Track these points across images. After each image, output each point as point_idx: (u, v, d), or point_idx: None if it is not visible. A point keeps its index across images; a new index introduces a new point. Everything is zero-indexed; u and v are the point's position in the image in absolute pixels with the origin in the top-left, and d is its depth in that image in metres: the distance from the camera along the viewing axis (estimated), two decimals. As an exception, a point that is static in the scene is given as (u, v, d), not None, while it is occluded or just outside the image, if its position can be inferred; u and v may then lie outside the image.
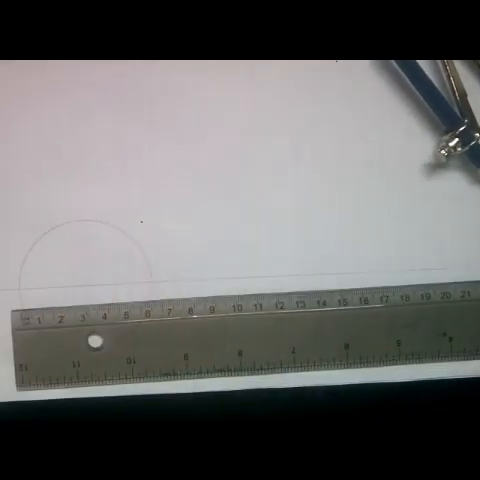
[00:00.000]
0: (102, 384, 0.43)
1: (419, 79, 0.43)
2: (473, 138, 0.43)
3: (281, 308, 0.43)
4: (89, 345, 0.42)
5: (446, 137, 0.43)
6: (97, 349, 0.42)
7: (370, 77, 0.45)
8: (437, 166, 0.44)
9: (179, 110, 0.45)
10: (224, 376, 0.43)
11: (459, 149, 0.43)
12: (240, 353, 0.43)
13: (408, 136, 0.45)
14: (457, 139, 0.43)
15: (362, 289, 0.43)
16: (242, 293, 0.43)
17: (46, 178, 0.44)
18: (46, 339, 0.42)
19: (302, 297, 0.43)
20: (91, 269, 0.43)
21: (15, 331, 0.42)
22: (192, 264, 0.44)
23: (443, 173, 0.44)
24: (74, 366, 0.42)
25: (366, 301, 0.43)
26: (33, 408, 0.42)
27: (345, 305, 0.43)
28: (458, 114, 0.44)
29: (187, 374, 0.43)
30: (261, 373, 0.43)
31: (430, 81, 0.43)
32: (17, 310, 0.42)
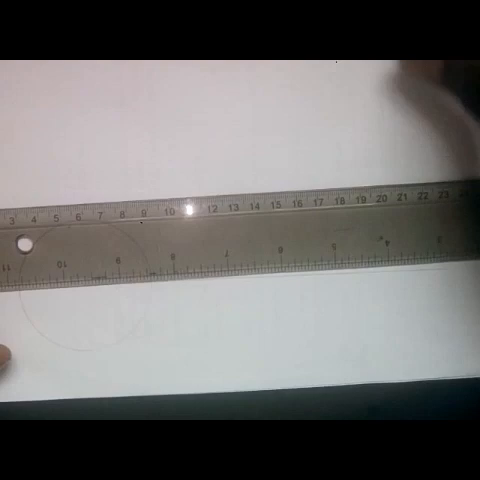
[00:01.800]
0: (33, 288, 0.41)
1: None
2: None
3: (214, 211, 0.42)
4: (19, 248, 0.41)
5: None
6: (27, 252, 0.41)
7: (370, 77, 0.45)
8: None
9: (179, 110, 0.45)
10: (157, 280, 0.42)
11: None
12: (173, 257, 0.42)
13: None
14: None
15: (295, 192, 0.43)
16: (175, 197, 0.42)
17: (45, 178, 0.44)
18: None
19: (235, 200, 0.42)
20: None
21: None
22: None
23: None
24: (4, 269, 0.41)
25: (300, 204, 0.42)
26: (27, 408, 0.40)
27: (278, 207, 0.42)
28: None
29: (119, 278, 0.42)
30: (194, 277, 0.42)
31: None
32: None
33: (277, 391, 0.43)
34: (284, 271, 0.43)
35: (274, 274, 0.43)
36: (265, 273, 0.43)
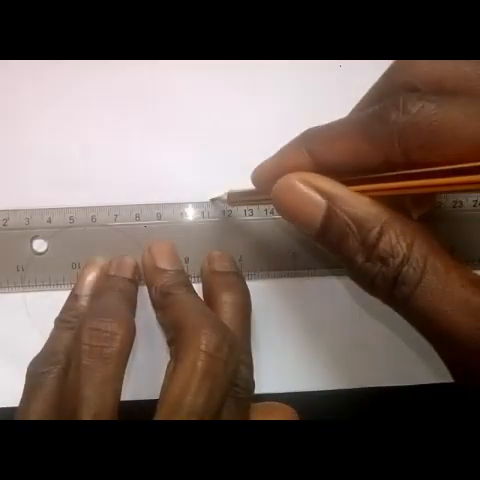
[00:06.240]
0: (47, 289, 0.41)
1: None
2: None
3: (229, 216, 0.42)
4: (34, 249, 0.41)
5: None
6: (42, 253, 0.41)
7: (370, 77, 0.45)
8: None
9: (179, 110, 0.45)
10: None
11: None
12: (187, 260, 0.42)
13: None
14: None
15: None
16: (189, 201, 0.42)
17: (45, 178, 0.44)
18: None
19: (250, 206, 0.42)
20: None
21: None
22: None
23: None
24: (18, 270, 0.41)
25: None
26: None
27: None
28: None
29: (132, 280, 0.42)
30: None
31: None
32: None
33: (276, 394, 0.43)
34: (297, 276, 0.43)
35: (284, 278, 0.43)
36: (278, 278, 0.43)
